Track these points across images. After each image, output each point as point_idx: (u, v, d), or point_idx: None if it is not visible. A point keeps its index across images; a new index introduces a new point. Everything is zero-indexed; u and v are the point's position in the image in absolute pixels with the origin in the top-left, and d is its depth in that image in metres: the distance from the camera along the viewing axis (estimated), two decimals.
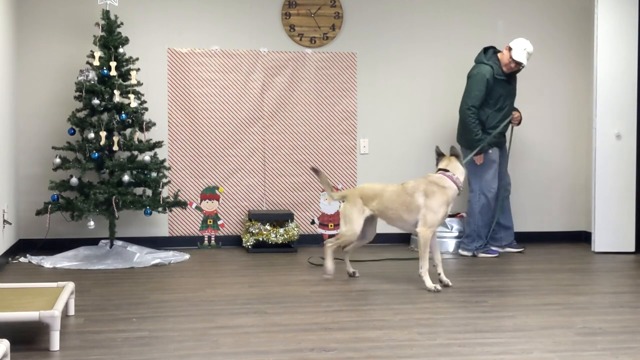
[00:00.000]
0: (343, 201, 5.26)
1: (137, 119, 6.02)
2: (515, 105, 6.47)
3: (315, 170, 5.44)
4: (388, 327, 3.82)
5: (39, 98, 6.40)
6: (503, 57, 6.19)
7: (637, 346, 3.50)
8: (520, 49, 6.09)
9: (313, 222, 6.89)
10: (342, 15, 6.87)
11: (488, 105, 6.21)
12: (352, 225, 5.10)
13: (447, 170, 5.04)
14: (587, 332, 3.76)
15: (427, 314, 4.15)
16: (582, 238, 7.07)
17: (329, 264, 5.13)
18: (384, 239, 6.72)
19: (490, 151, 6.25)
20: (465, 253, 6.34)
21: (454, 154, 5.12)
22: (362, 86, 6.93)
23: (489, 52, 6.29)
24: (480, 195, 6.30)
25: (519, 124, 6.45)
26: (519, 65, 6.17)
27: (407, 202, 5.01)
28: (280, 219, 6.52)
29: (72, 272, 5.39)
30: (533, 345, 3.49)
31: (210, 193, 6.72)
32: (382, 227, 6.84)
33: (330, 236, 6.87)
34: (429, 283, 4.83)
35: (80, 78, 5.93)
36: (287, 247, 6.43)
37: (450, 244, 6.52)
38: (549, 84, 7.15)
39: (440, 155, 5.20)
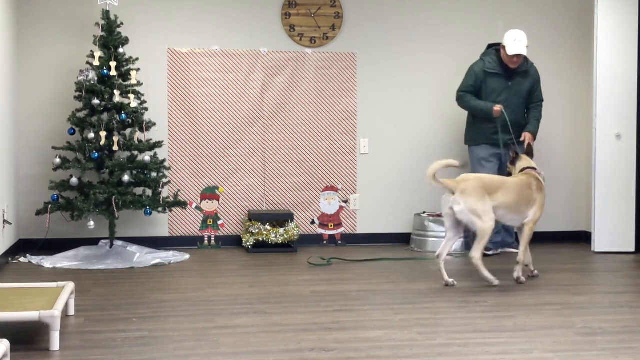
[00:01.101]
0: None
1: (137, 119, 6.03)
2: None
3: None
4: (388, 327, 3.82)
5: (39, 98, 6.40)
6: (503, 55, 6.17)
7: (637, 346, 3.50)
8: (510, 42, 6.02)
9: (313, 222, 6.89)
10: (342, 15, 6.87)
11: (480, 100, 6.22)
12: (490, 216, 4.88)
13: (534, 168, 5.22)
14: (587, 332, 3.76)
15: (427, 314, 4.15)
16: (582, 238, 7.07)
17: (488, 275, 4.93)
18: (384, 239, 6.73)
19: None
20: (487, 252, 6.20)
21: (528, 152, 5.39)
22: (362, 86, 6.92)
23: (492, 48, 6.32)
24: None
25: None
26: (519, 58, 6.11)
27: (528, 195, 5.07)
28: (280, 219, 6.52)
29: (72, 272, 5.39)
30: (533, 345, 3.49)
31: (210, 193, 6.72)
32: (382, 226, 6.87)
33: (330, 236, 6.90)
34: (517, 273, 5.07)
35: (80, 78, 5.94)
36: (287, 247, 6.43)
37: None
38: (549, 84, 7.13)
39: (516, 155, 5.36)
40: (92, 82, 5.91)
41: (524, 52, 6.04)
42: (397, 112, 6.98)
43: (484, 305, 4.39)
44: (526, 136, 6.11)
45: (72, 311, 4.03)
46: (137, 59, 6.17)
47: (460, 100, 6.31)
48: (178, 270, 5.59)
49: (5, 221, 5.54)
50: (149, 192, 6.14)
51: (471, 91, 6.24)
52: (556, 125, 7.17)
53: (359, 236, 6.91)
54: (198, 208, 6.70)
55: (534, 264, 5.97)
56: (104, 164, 5.86)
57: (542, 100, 6.36)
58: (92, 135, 5.82)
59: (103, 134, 5.84)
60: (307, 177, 6.87)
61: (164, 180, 6.13)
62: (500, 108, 5.99)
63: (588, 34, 6.91)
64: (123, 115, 5.90)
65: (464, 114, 6.61)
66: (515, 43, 6.01)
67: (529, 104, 6.33)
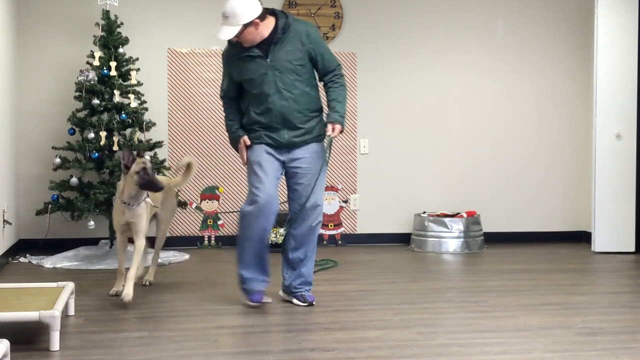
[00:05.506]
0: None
1: (137, 119, 6.03)
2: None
3: None
4: (388, 327, 3.82)
5: (39, 98, 6.40)
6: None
7: (637, 346, 3.50)
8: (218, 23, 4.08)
9: None
10: (342, 15, 6.87)
11: (246, 95, 4.29)
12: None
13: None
14: (587, 332, 3.76)
15: (427, 314, 4.15)
16: (582, 238, 7.07)
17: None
18: (384, 239, 6.72)
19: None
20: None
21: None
22: (362, 86, 6.92)
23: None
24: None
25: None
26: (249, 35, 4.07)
27: None
28: (280, 219, 6.51)
29: (72, 272, 5.39)
30: (533, 345, 3.49)
31: (210, 193, 6.72)
32: (382, 226, 6.87)
33: (330, 236, 6.90)
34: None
35: (80, 78, 5.94)
36: None
37: (451, 244, 6.51)
38: (549, 84, 7.14)
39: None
40: (92, 82, 5.91)
41: (233, 34, 4.01)
42: (397, 112, 6.97)
43: (484, 305, 4.39)
44: (335, 129, 4.18)
45: (72, 311, 4.03)
46: (137, 59, 6.17)
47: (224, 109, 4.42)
48: (178, 270, 5.59)
49: (5, 221, 5.54)
50: None
51: (231, 91, 4.30)
52: (556, 125, 7.17)
53: (359, 236, 6.91)
54: (198, 208, 6.70)
55: (534, 264, 5.98)
56: (104, 164, 5.86)
57: (338, 66, 4.29)
58: (92, 135, 5.82)
59: (103, 134, 5.84)
60: None
61: None
62: (247, 142, 4.24)
63: (588, 34, 6.91)
64: (123, 115, 5.90)
65: (463, 113, 6.61)
66: (223, 23, 4.04)
67: (322, 79, 4.32)
